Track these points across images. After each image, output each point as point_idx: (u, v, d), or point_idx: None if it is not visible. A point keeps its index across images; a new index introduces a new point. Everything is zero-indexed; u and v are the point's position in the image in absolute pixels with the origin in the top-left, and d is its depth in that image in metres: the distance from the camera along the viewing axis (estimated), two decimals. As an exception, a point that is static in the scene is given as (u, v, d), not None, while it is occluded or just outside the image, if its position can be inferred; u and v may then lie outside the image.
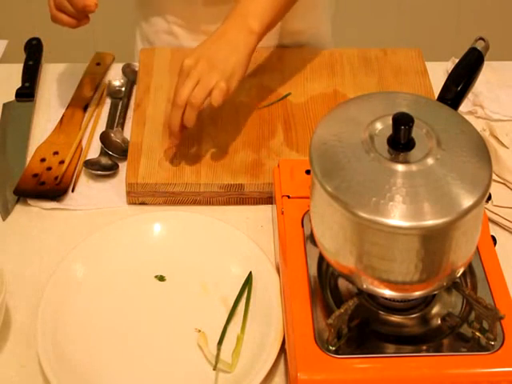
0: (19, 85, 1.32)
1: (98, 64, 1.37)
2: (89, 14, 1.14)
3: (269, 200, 1.14)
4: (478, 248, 0.92)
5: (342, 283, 0.95)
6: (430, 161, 0.83)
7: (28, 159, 1.20)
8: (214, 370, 0.93)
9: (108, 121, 1.27)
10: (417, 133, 0.85)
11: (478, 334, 0.89)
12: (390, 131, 0.85)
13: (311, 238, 0.95)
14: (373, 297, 0.93)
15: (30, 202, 1.15)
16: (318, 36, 1.40)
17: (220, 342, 0.95)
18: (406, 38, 2.45)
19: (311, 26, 1.39)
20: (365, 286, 0.87)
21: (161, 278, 1.04)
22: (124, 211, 1.14)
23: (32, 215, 1.13)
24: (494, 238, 0.99)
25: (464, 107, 1.27)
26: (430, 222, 0.80)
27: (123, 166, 1.18)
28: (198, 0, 1.29)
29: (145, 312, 1.01)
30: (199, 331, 0.97)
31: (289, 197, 1.03)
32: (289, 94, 1.27)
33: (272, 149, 1.19)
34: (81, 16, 1.15)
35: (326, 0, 1.41)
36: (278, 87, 1.29)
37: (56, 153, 1.21)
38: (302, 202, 1.00)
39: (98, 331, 0.98)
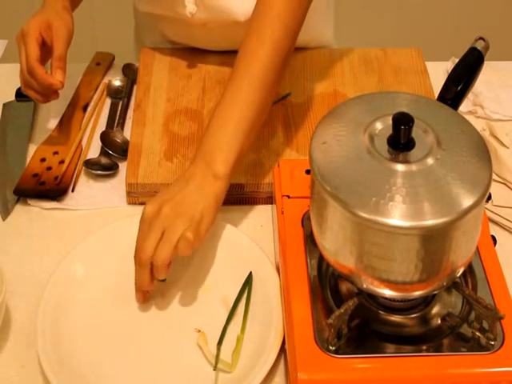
0: (19, 85, 1.31)
1: (98, 64, 1.37)
2: (55, 91, 1.16)
3: (269, 200, 1.14)
4: (478, 248, 0.92)
5: (342, 283, 0.95)
6: (429, 161, 0.83)
7: (28, 159, 1.20)
8: (214, 370, 0.93)
9: (108, 121, 1.27)
10: (417, 133, 0.85)
11: (478, 333, 0.89)
12: (390, 131, 0.85)
13: (311, 238, 0.95)
14: (373, 297, 0.93)
15: (29, 201, 1.15)
16: (318, 36, 1.40)
17: (220, 342, 0.95)
18: (406, 38, 2.45)
19: (311, 26, 1.39)
20: (365, 286, 0.87)
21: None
22: (124, 211, 1.14)
23: (32, 215, 1.13)
24: (494, 238, 0.99)
25: (464, 107, 1.27)
26: (430, 222, 0.80)
27: (123, 166, 1.18)
28: (195, 23, 1.28)
29: (145, 312, 1.01)
30: (199, 331, 0.97)
31: (289, 197, 1.03)
32: (289, 94, 1.27)
33: (272, 149, 1.19)
34: (49, 92, 1.16)
35: (326, 0, 1.41)
36: (278, 87, 1.29)
37: (56, 153, 1.21)
38: (302, 202, 1.00)
39: (98, 331, 0.98)
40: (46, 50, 1.16)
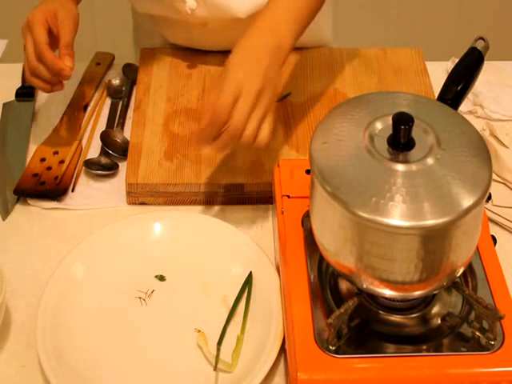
0: (19, 85, 1.32)
1: (98, 64, 1.37)
2: (64, 79, 1.15)
3: (269, 200, 1.14)
4: (478, 248, 0.92)
5: (342, 283, 0.95)
6: (429, 160, 0.83)
7: (28, 159, 1.20)
8: (214, 370, 0.93)
9: (108, 121, 1.27)
10: (417, 133, 0.85)
11: (477, 333, 0.89)
12: (389, 131, 0.85)
13: (311, 238, 0.95)
14: (373, 297, 0.92)
15: (29, 201, 1.15)
16: (318, 36, 1.40)
17: (220, 342, 0.95)
18: (406, 38, 2.45)
19: (311, 25, 1.38)
20: (365, 286, 0.87)
21: (161, 278, 1.04)
22: (124, 211, 1.14)
23: (32, 215, 1.13)
24: (494, 238, 0.99)
25: (464, 107, 1.27)
26: (430, 222, 0.80)
27: (123, 166, 1.18)
28: (194, 22, 1.28)
29: (145, 312, 1.01)
30: (199, 331, 0.97)
31: (289, 197, 1.03)
32: (289, 93, 1.27)
33: (272, 149, 1.19)
34: (54, 81, 1.15)
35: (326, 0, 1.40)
36: (277, 87, 1.29)
37: (56, 153, 1.21)
38: (302, 202, 1.00)
39: (98, 331, 0.98)
40: (52, 39, 1.15)
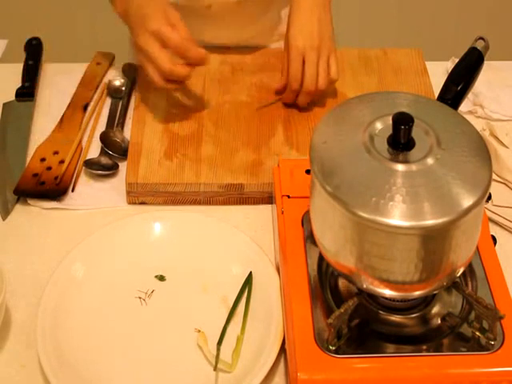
0: (19, 85, 1.32)
1: (98, 64, 1.37)
2: (203, 64, 1.19)
3: (269, 200, 1.14)
4: (478, 248, 0.92)
5: (342, 283, 0.95)
6: (429, 160, 0.83)
7: (28, 159, 1.20)
8: (214, 370, 0.93)
9: (108, 121, 1.27)
10: (417, 133, 0.85)
11: (477, 333, 0.89)
12: (389, 131, 0.85)
13: (311, 238, 0.95)
14: (373, 297, 0.93)
15: (30, 201, 1.15)
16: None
17: (220, 342, 0.95)
18: (406, 38, 2.45)
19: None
20: (365, 286, 0.87)
21: (161, 278, 1.04)
22: (124, 211, 1.14)
23: (32, 215, 1.13)
24: (494, 238, 0.99)
25: (464, 107, 1.27)
26: (430, 222, 0.80)
27: (123, 166, 1.18)
28: (199, 9, 1.28)
29: (145, 312, 1.01)
30: (199, 331, 0.97)
31: (289, 197, 1.03)
32: (280, 99, 1.27)
33: (272, 149, 1.19)
34: (185, 79, 1.19)
35: None
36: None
37: (56, 152, 1.21)
38: (302, 202, 1.00)
39: (98, 331, 0.98)
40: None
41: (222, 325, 0.98)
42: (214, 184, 1.14)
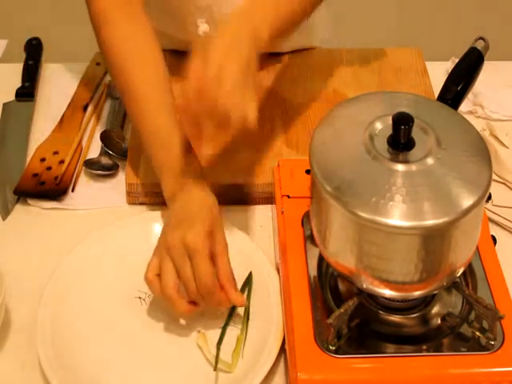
0: (19, 85, 1.32)
1: (98, 64, 1.37)
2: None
3: (269, 200, 1.14)
4: (478, 248, 0.92)
5: (342, 283, 0.95)
6: (429, 160, 0.83)
7: (28, 159, 1.20)
8: (214, 370, 0.93)
9: (108, 121, 1.27)
10: (417, 133, 0.85)
11: (477, 333, 0.89)
12: (389, 131, 0.85)
13: (311, 238, 0.95)
14: (373, 297, 0.93)
15: (29, 201, 1.15)
16: (318, 36, 1.40)
17: (219, 343, 0.95)
18: (406, 38, 2.45)
19: (310, 25, 1.38)
20: (365, 286, 0.87)
21: (161, 278, 1.04)
22: (124, 211, 1.14)
23: (32, 215, 1.14)
24: (494, 238, 0.99)
25: (464, 107, 1.27)
26: (430, 222, 0.80)
27: (123, 166, 1.18)
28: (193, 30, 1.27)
29: (145, 312, 1.01)
30: (199, 331, 0.97)
31: (289, 197, 1.03)
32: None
33: (272, 149, 1.19)
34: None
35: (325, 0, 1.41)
36: (278, 87, 1.29)
37: (56, 153, 1.21)
38: (302, 202, 1.00)
39: (98, 331, 0.98)
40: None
41: (222, 325, 0.98)
42: (214, 184, 1.14)
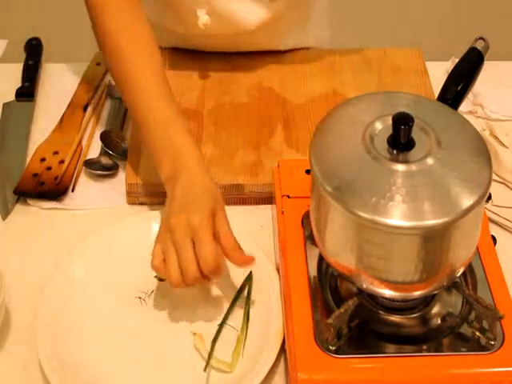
0: (19, 85, 1.32)
1: (98, 64, 1.37)
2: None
3: (269, 200, 1.14)
4: (478, 248, 0.92)
5: (342, 283, 0.95)
6: (429, 160, 0.83)
7: (28, 159, 1.20)
8: (205, 367, 0.92)
9: (108, 121, 1.27)
10: (417, 133, 0.85)
11: (477, 333, 0.89)
12: (389, 131, 0.85)
13: (311, 238, 0.95)
14: (373, 297, 0.93)
15: (29, 201, 1.15)
16: (318, 36, 1.40)
17: (214, 340, 0.95)
18: (406, 38, 2.45)
19: (310, 26, 1.39)
20: (365, 286, 0.87)
21: (161, 278, 1.03)
22: (124, 211, 1.14)
23: (32, 215, 1.14)
24: (494, 238, 0.99)
25: (464, 107, 1.27)
26: (430, 222, 0.80)
27: (123, 166, 1.18)
28: (204, 33, 1.28)
29: (145, 312, 1.01)
30: (195, 334, 0.97)
31: (289, 197, 1.03)
32: None
33: (272, 149, 1.19)
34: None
35: (324, 0, 1.41)
36: (278, 87, 1.29)
37: (56, 153, 1.21)
38: (302, 202, 1.00)
39: (98, 331, 0.98)
40: None
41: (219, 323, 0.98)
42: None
